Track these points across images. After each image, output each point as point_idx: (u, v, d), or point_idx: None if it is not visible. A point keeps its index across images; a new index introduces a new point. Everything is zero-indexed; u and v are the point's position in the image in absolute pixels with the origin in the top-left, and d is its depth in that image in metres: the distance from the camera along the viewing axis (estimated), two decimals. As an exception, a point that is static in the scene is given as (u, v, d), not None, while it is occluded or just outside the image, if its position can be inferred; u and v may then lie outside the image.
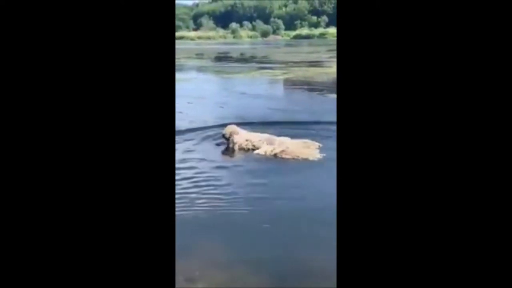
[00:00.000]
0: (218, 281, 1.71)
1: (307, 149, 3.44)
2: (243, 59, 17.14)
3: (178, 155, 3.37)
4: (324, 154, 3.29)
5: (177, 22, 45.46)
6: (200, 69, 13.14)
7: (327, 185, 2.47)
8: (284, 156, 3.35)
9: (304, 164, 3.24)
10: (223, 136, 3.74)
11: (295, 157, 3.31)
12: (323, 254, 1.80)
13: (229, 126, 3.80)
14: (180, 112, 5.15)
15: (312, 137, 3.79)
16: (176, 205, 2.24)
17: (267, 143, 3.50)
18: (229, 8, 49.58)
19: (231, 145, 3.62)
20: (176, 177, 2.79)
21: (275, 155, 3.37)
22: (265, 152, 3.42)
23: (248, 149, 3.53)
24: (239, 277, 1.73)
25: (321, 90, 7.82)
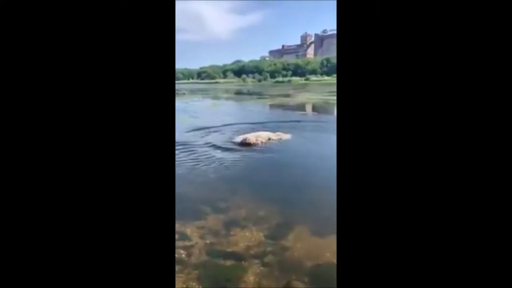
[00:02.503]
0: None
1: (284, 135, 6.47)
2: (249, 93, 30.40)
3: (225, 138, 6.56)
4: (290, 135, 6.66)
5: (213, 74, 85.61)
6: (227, 98, 25.87)
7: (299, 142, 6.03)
8: (274, 138, 6.24)
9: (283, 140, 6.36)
10: (246, 141, 5.80)
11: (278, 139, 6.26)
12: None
13: (249, 135, 6.06)
14: (221, 121, 9.05)
15: (283, 128, 7.36)
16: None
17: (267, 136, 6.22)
18: (241, 67, 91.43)
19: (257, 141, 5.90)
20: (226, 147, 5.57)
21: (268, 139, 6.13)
22: (275, 139, 6.21)
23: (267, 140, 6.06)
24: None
25: (290, 109, 14.06)
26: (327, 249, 2.27)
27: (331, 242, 2.37)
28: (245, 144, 5.82)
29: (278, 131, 6.84)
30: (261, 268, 2.07)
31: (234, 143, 6.02)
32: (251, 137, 6.02)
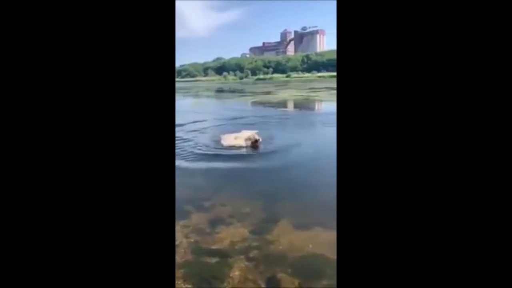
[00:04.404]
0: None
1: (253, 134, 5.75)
2: (230, 91, 30.35)
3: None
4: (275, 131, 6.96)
5: (194, 72, 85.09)
6: (208, 96, 25.84)
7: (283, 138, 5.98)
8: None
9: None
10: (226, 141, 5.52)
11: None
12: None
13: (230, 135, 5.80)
14: (203, 119, 9.69)
15: (261, 123, 8.03)
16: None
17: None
18: (222, 64, 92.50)
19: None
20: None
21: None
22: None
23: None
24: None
25: (272, 106, 14.50)
26: (309, 241, 2.35)
27: (313, 234, 2.45)
28: (226, 145, 5.63)
29: (257, 128, 6.75)
30: (246, 263, 2.11)
31: (215, 142, 5.95)
32: (232, 137, 5.84)
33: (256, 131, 5.89)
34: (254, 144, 5.47)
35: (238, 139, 5.69)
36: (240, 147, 5.42)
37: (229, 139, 5.82)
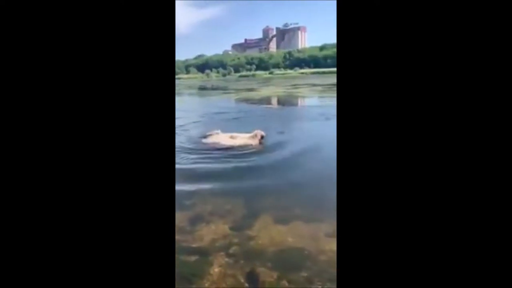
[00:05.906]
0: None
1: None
2: (213, 89, 30.06)
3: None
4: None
5: (176, 70, 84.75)
6: (190, 94, 25.48)
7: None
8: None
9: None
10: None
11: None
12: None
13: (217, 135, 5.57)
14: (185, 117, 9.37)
15: (245, 117, 8.61)
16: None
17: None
18: (204, 61, 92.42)
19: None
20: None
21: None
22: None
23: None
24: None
25: (255, 103, 14.47)
26: (289, 235, 2.38)
27: (293, 228, 2.48)
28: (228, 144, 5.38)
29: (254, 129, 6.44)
30: (226, 259, 2.11)
31: (197, 142, 5.81)
32: (227, 136, 5.61)
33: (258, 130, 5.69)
34: (261, 140, 5.40)
35: (237, 138, 5.53)
36: (249, 145, 5.27)
37: (226, 140, 5.58)
